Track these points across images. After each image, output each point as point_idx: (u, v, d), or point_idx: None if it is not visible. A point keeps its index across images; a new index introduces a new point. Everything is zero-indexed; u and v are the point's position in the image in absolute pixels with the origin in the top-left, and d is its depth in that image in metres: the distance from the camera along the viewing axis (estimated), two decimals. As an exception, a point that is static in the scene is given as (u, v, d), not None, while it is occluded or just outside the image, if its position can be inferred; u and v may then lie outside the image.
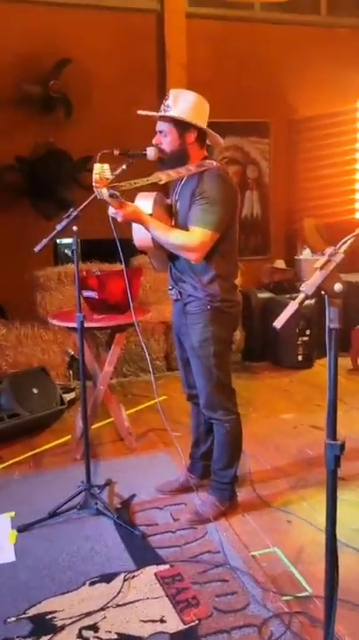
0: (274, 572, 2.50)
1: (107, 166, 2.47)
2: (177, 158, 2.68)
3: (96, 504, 2.91)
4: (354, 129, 5.60)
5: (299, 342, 5.21)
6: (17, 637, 2.15)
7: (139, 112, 2.71)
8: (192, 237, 2.58)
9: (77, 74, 5.64)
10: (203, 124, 2.67)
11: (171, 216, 2.80)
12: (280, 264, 6.42)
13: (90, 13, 5.73)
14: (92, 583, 2.44)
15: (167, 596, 2.35)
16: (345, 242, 1.46)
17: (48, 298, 4.82)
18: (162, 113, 2.63)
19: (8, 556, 2.64)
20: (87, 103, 5.77)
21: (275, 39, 6.19)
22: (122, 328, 3.52)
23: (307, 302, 5.65)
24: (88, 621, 2.22)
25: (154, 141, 2.69)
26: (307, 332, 5.22)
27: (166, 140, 2.66)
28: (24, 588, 2.42)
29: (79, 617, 2.24)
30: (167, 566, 2.54)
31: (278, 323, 1.41)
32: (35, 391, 3.97)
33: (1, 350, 4.55)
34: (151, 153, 2.65)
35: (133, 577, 2.47)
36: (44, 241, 2.67)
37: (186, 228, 2.65)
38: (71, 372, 4.76)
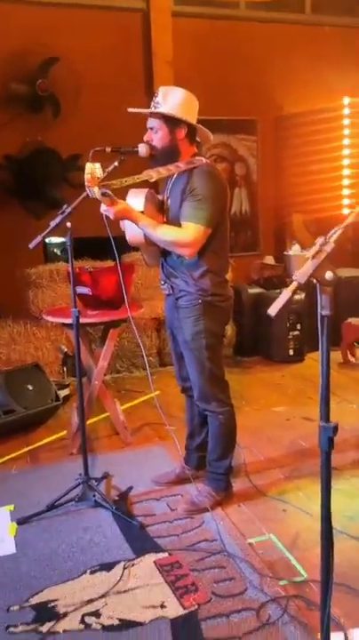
0: (270, 558, 2.55)
1: (98, 165, 2.51)
2: (168, 154, 2.72)
3: (94, 496, 2.96)
4: (340, 125, 5.67)
5: (290, 337, 5.27)
6: (21, 624, 2.19)
7: (130, 110, 2.75)
8: (185, 233, 2.63)
9: (65, 72, 5.66)
10: (192, 120, 2.72)
11: (163, 212, 2.84)
12: (269, 260, 6.49)
13: (76, 12, 5.75)
14: (93, 572, 2.49)
15: (167, 582, 2.40)
16: (335, 232, 1.51)
17: (40, 295, 4.85)
18: (152, 109, 2.68)
19: (8, 547, 2.68)
20: (75, 102, 5.79)
21: (261, 37, 6.25)
22: (115, 323, 3.56)
23: (298, 297, 5.73)
24: (90, 608, 2.26)
25: (145, 138, 2.74)
26: (298, 326, 5.29)
27: (157, 136, 2.70)
28: (25, 578, 2.46)
29: (81, 604, 2.28)
30: (166, 554, 2.58)
31: (272, 310, 1.46)
32: (29, 387, 4.00)
33: (-6, 348, 4.58)
34: (142, 150, 2.69)
35: (133, 565, 2.52)
36: (39, 238, 2.71)
37: (177, 224, 2.70)
38: (65, 369, 4.79)
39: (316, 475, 3.27)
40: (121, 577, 2.43)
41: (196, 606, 2.25)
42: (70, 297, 4.39)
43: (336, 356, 5.34)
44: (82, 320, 3.11)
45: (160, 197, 2.89)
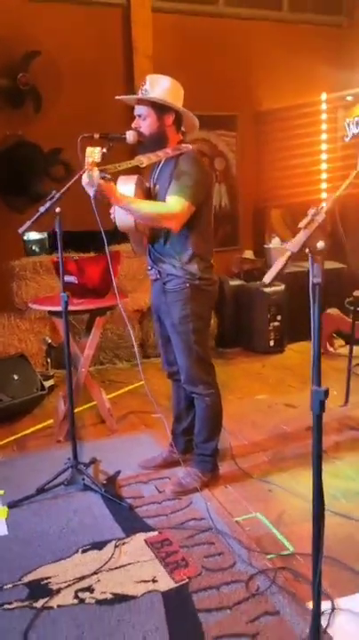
0: (257, 534, 2.63)
1: (98, 149, 2.55)
2: (156, 141, 2.78)
3: (83, 480, 3.00)
4: (318, 120, 5.77)
5: (270, 328, 5.36)
6: (15, 601, 2.23)
7: (117, 97, 2.81)
8: (170, 206, 2.69)
9: (46, 66, 5.66)
10: (179, 107, 2.79)
11: (151, 199, 2.89)
12: (249, 254, 6.58)
13: (57, 6, 5.76)
14: (84, 551, 2.53)
15: (157, 558, 2.45)
16: (325, 205, 1.58)
17: (24, 287, 4.86)
18: (140, 96, 2.73)
19: (0, 529, 2.71)
20: (56, 96, 5.79)
21: (240, 34, 6.32)
22: (102, 311, 3.60)
23: (278, 289, 5.83)
24: (83, 584, 2.31)
25: (133, 125, 2.79)
26: (278, 317, 5.37)
27: (145, 123, 2.76)
28: (17, 558, 2.50)
29: (74, 581, 2.33)
30: (155, 533, 2.64)
31: (267, 277, 1.52)
32: (15, 377, 4.02)
33: (-22, 340, 4.58)
34: (130, 136, 2.75)
35: (124, 544, 2.57)
36: (28, 223, 2.74)
37: None
38: (49, 361, 4.81)
39: (300, 457, 3.40)
40: (112, 555, 2.48)
41: (187, 580, 2.31)
42: (54, 289, 4.44)
43: (315, 346, 5.44)
44: (68, 308, 3.14)
45: (147, 184, 2.94)
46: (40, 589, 2.29)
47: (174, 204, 2.68)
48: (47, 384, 4.36)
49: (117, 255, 3.87)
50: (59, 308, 3.38)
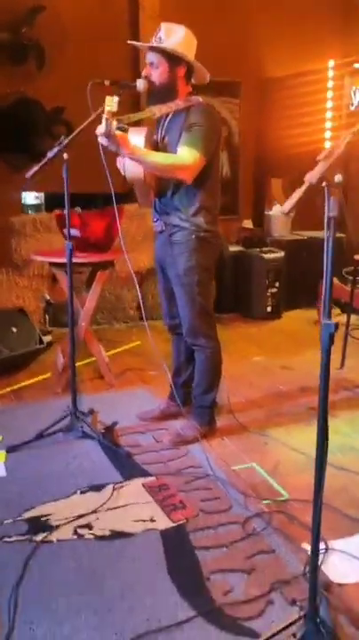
0: (253, 482, 2.68)
1: (116, 99, 2.52)
2: (165, 91, 2.76)
3: (82, 427, 3.03)
4: (324, 88, 5.73)
5: (268, 294, 5.38)
6: (15, 534, 2.27)
7: (130, 42, 2.79)
8: (183, 157, 2.69)
9: (50, 22, 5.58)
10: (192, 59, 2.76)
11: (158, 150, 2.88)
12: (248, 224, 6.57)
13: None
14: (83, 492, 2.57)
15: (155, 501, 2.50)
16: (347, 136, 1.57)
17: (23, 244, 4.84)
18: (154, 44, 2.70)
19: (-1, 471, 2.75)
20: (59, 53, 5.71)
21: (248, -2, 6.24)
22: (103, 266, 3.60)
23: (277, 256, 5.84)
24: (82, 521, 2.35)
25: (143, 73, 2.77)
26: (276, 284, 5.40)
27: (156, 72, 2.74)
28: (17, 497, 2.53)
29: (73, 518, 2.37)
30: (153, 478, 2.68)
31: (287, 206, 1.52)
32: (14, 330, 4.03)
33: (-24, 295, 4.58)
34: (140, 84, 2.72)
35: (122, 487, 2.61)
36: (35, 167, 2.73)
37: None
38: (47, 318, 4.82)
39: (295, 413, 3.45)
40: (110, 496, 2.53)
41: (185, 520, 2.36)
42: (53, 245, 4.42)
43: (312, 314, 5.49)
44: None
45: (154, 136, 2.93)
46: (39, 525, 2.33)
47: (187, 155, 2.68)
48: (45, 340, 4.37)
49: (122, 210, 3.85)
50: (61, 260, 3.40)
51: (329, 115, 5.74)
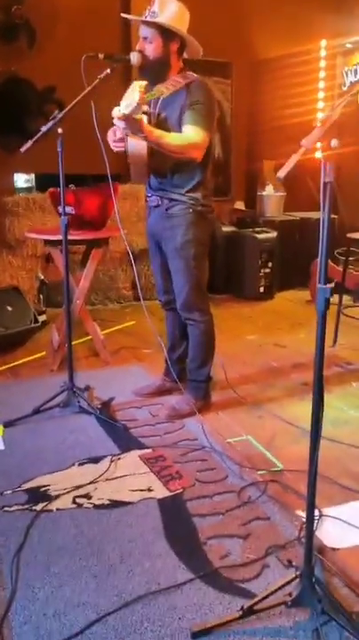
0: (248, 453, 2.72)
1: (144, 83, 2.52)
2: (158, 66, 2.77)
3: (78, 402, 3.07)
4: (316, 68, 5.73)
5: (261, 274, 5.41)
6: (15, 504, 2.31)
7: (124, 15, 2.80)
8: (192, 137, 2.71)
9: (41, 1, 5.53)
10: (185, 33, 2.76)
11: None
12: (240, 205, 6.59)
13: None
14: (81, 464, 2.61)
15: (152, 472, 2.54)
16: (342, 101, 1.59)
17: (16, 223, 4.83)
18: (148, 19, 2.70)
19: (-3, 444, 2.78)
20: (51, 32, 5.66)
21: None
22: (98, 243, 3.62)
23: (270, 236, 5.87)
24: (80, 492, 2.39)
25: (137, 47, 2.77)
26: (269, 264, 5.43)
27: (150, 46, 2.74)
28: (16, 469, 2.56)
29: (72, 488, 2.41)
30: (150, 450, 2.72)
31: (282, 172, 1.54)
32: (9, 308, 4.05)
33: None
34: (134, 58, 2.73)
35: (119, 459, 2.65)
36: (29, 142, 2.73)
37: None
38: (41, 297, 4.83)
39: (288, 388, 3.50)
40: (108, 468, 2.57)
41: (181, 489, 2.41)
42: (46, 225, 4.41)
43: (304, 295, 5.53)
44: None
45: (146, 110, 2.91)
46: (39, 495, 2.37)
47: (195, 134, 2.71)
48: (40, 319, 4.38)
49: (116, 187, 3.86)
50: (56, 237, 3.42)
51: (321, 95, 5.75)
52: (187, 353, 3.15)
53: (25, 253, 4.85)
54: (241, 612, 1.71)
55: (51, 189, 3.76)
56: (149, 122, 2.87)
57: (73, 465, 2.60)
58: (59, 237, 3.15)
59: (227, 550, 2.05)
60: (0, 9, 5.43)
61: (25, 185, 5.85)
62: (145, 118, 2.68)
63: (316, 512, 2.24)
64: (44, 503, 2.31)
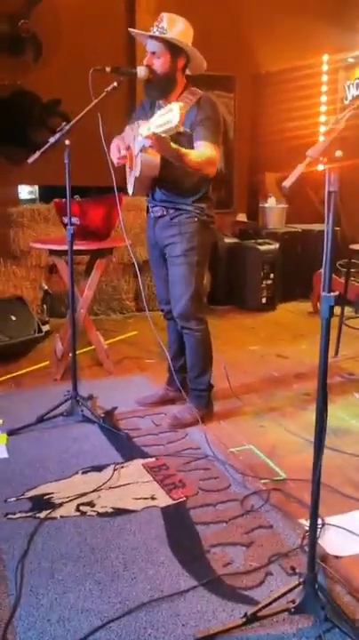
0: (250, 462, 2.73)
1: (183, 104, 2.57)
2: (166, 81, 2.82)
3: (82, 411, 3.08)
4: (318, 82, 5.79)
5: (263, 285, 5.44)
6: (19, 512, 2.32)
7: (132, 31, 2.84)
8: (208, 153, 2.78)
9: (47, 15, 5.61)
10: (192, 48, 2.82)
11: None
12: (242, 217, 6.64)
13: None
14: (85, 472, 2.62)
15: (155, 480, 2.55)
16: (346, 113, 1.62)
17: (21, 234, 4.87)
18: (157, 34, 2.75)
19: (1, 453, 2.78)
20: (56, 46, 5.74)
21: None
22: (102, 253, 3.65)
23: (272, 247, 5.93)
24: (84, 500, 2.40)
25: (145, 62, 2.81)
26: (271, 276, 5.46)
27: (158, 61, 2.78)
28: (19, 477, 2.58)
29: (75, 496, 2.42)
30: (153, 459, 2.74)
31: (287, 182, 1.56)
32: (13, 318, 4.07)
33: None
34: (141, 72, 2.77)
35: (122, 467, 2.66)
36: (37, 153, 2.77)
37: None
38: (45, 307, 4.86)
39: (289, 398, 3.52)
40: (111, 476, 2.58)
41: (184, 498, 2.42)
42: (50, 236, 4.45)
43: (306, 306, 5.56)
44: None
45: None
46: (43, 503, 2.38)
47: (211, 150, 2.78)
48: (43, 329, 4.41)
49: (121, 198, 3.90)
50: (61, 247, 3.45)
51: (323, 109, 5.81)
52: (188, 363, 3.18)
53: (29, 264, 4.89)
54: (244, 619, 1.72)
55: (56, 200, 3.80)
56: None
57: (76, 473, 2.61)
58: (64, 247, 3.19)
59: (230, 558, 2.06)
60: (7, 22, 5.52)
61: (29, 196, 5.93)
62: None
63: (319, 520, 2.25)
64: (48, 511, 2.32)
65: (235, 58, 6.37)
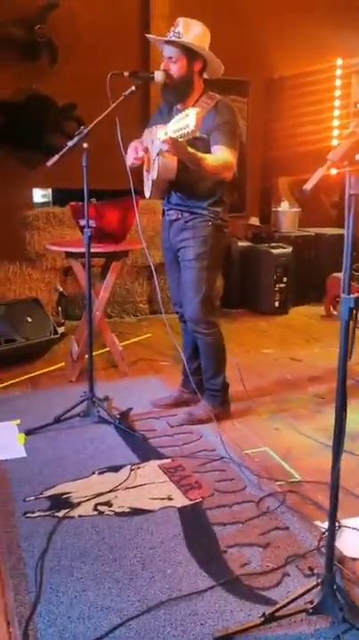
0: (266, 464, 2.75)
1: (200, 110, 2.59)
2: (183, 85, 2.85)
3: (98, 412, 3.11)
4: (332, 87, 5.81)
5: (276, 289, 5.46)
6: (38, 511, 2.35)
7: (148, 36, 2.88)
8: (226, 157, 2.80)
9: (63, 19, 5.67)
10: (208, 54, 2.85)
11: None
12: (254, 221, 6.65)
13: None
14: (101, 472, 2.65)
15: (172, 481, 2.57)
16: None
17: (36, 237, 4.92)
18: (174, 39, 2.78)
19: (19, 452, 2.82)
20: (72, 51, 5.79)
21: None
22: (118, 256, 3.68)
23: (285, 251, 5.95)
24: (102, 499, 2.43)
25: (162, 67, 2.85)
26: (284, 279, 5.47)
27: (175, 66, 2.82)
28: (38, 476, 2.61)
29: (93, 496, 2.44)
30: (169, 460, 2.76)
31: (308, 185, 1.59)
32: (29, 320, 4.11)
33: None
34: (159, 76, 2.81)
35: (139, 468, 2.69)
36: (56, 156, 2.80)
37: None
38: (60, 309, 4.90)
39: (303, 400, 3.53)
40: (128, 476, 2.60)
41: (201, 499, 2.44)
42: (65, 239, 4.50)
43: (319, 310, 5.56)
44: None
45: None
46: (61, 502, 2.41)
47: (228, 155, 2.80)
48: (59, 331, 4.45)
49: (137, 201, 3.93)
50: (77, 249, 3.49)
51: (336, 113, 5.82)
52: (203, 364, 3.20)
53: (44, 266, 4.93)
54: (262, 619, 1.73)
55: (72, 203, 3.84)
56: None
57: (93, 473, 2.64)
58: (81, 250, 3.22)
59: (247, 559, 2.07)
60: (23, 27, 5.58)
61: (42, 200, 5.96)
62: None
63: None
64: (66, 510, 2.35)
65: (249, 62, 6.39)
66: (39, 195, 5.94)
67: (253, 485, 2.54)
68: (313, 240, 5.87)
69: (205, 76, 2.98)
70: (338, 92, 5.78)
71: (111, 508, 2.37)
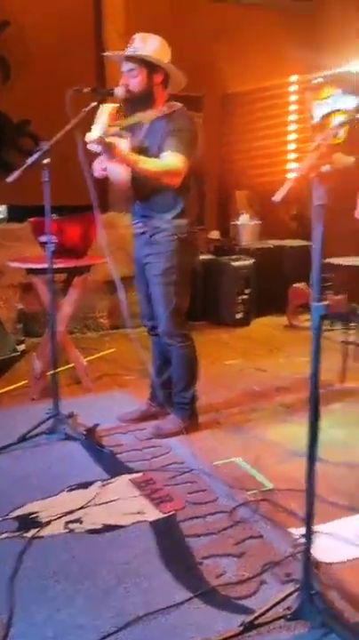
0: (236, 474, 2.74)
1: (115, 105, 2.60)
2: (144, 98, 2.86)
3: (64, 429, 3.05)
4: (286, 102, 5.93)
5: (238, 301, 5.49)
6: (5, 532, 2.28)
7: (106, 54, 2.88)
8: (173, 162, 2.78)
9: (15, 37, 5.66)
10: (168, 64, 2.87)
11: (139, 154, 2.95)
12: (215, 235, 6.71)
13: (28, -22, 5.76)
14: (71, 490, 2.60)
15: (143, 495, 2.54)
16: (328, 135, 1.67)
17: (-5, 255, 4.84)
18: (131, 53, 2.79)
19: (-17, 473, 2.74)
20: (25, 67, 5.78)
21: (211, 14, 6.42)
22: (80, 271, 3.65)
23: (247, 263, 6.00)
24: (72, 517, 2.38)
25: (121, 82, 2.86)
26: (246, 291, 5.51)
27: (135, 80, 2.83)
28: (4, 497, 2.54)
29: (62, 514, 2.39)
30: (139, 474, 2.72)
31: (278, 196, 1.60)
32: (-12, 338, 4.03)
33: None
34: (119, 91, 2.81)
35: (109, 483, 2.65)
36: (17, 173, 2.76)
37: None
38: (20, 327, 4.81)
39: (270, 410, 3.55)
40: (98, 492, 2.56)
41: (173, 511, 2.41)
42: (24, 255, 4.44)
43: (281, 320, 5.62)
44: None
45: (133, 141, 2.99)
46: (29, 522, 2.35)
47: (174, 160, 2.78)
48: (19, 348, 4.37)
49: (98, 216, 3.92)
50: (39, 265, 3.45)
51: (292, 127, 5.94)
52: (171, 378, 3.18)
53: (3, 283, 4.85)
54: (241, 628, 1.72)
55: (31, 219, 3.79)
56: (134, 149, 2.95)
57: (62, 491, 2.58)
58: (43, 266, 3.18)
59: (222, 569, 2.05)
60: (-26, 45, 5.54)
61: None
62: (124, 143, 2.76)
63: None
64: (35, 530, 2.29)
65: (203, 78, 6.48)
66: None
67: (225, 496, 2.53)
68: (274, 252, 5.94)
69: (170, 90, 3.00)
70: (293, 107, 5.90)
71: (82, 525, 2.32)
